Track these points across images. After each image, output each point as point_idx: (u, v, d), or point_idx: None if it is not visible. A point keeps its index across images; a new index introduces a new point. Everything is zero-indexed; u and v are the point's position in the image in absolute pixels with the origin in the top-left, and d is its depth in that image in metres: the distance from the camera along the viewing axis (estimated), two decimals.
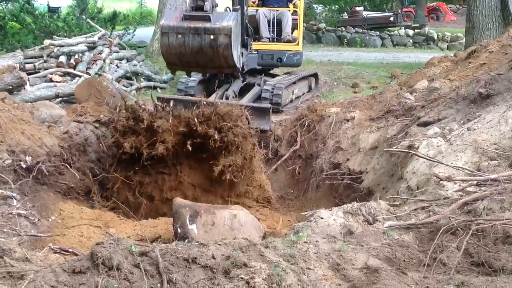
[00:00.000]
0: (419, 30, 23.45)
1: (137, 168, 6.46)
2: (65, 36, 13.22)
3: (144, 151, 6.23)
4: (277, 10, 10.35)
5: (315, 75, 11.58)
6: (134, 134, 6.34)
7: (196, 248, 3.25)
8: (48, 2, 22.61)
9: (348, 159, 7.38)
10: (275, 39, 10.33)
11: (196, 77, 9.69)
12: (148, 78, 12.31)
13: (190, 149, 6.06)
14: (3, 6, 24.21)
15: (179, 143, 6.23)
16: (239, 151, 6.17)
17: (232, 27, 5.46)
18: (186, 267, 3.11)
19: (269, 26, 10.27)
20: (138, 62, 13.06)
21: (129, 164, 6.50)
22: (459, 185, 4.42)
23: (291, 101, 10.02)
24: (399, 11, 27.32)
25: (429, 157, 5.08)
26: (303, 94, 10.66)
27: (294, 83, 10.18)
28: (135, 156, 6.34)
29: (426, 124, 6.35)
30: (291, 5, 10.54)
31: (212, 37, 5.44)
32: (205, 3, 5.43)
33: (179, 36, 5.51)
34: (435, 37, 22.64)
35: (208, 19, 5.44)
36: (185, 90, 9.34)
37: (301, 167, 8.03)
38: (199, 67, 5.99)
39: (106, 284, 2.95)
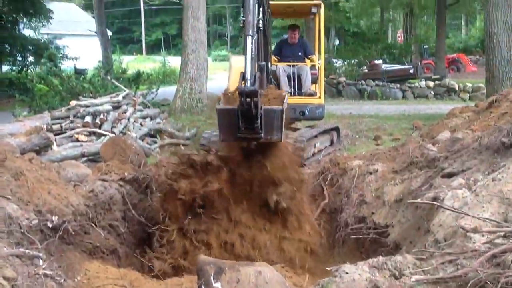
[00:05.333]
0: (439, 82, 23.48)
1: (190, 218, 6.49)
2: (91, 97, 13.58)
3: (201, 191, 6.29)
4: (294, 65, 10.54)
5: (336, 129, 11.62)
6: (186, 179, 6.44)
7: None
8: (75, 64, 23.38)
9: (373, 213, 7.28)
10: (296, 93, 10.47)
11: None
12: (171, 135, 12.49)
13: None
14: (32, 70, 25.13)
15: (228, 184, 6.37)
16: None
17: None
18: None
19: (289, 81, 10.44)
20: (162, 120, 13.28)
21: (181, 215, 6.54)
22: (487, 237, 4.34)
23: (313, 155, 10.03)
24: (419, 64, 27.50)
25: (455, 209, 5.01)
26: (325, 148, 10.68)
27: (315, 136, 10.22)
28: (186, 205, 6.41)
29: (450, 175, 6.28)
30: (308, 60, 10.74)
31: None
32: (256, 122, 5.46)
33: None
34: (457, 88, 22.62)
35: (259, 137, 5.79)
36: (208, 145, 9.45)
37: (325, 221, 7.95)
38: None
39: None
